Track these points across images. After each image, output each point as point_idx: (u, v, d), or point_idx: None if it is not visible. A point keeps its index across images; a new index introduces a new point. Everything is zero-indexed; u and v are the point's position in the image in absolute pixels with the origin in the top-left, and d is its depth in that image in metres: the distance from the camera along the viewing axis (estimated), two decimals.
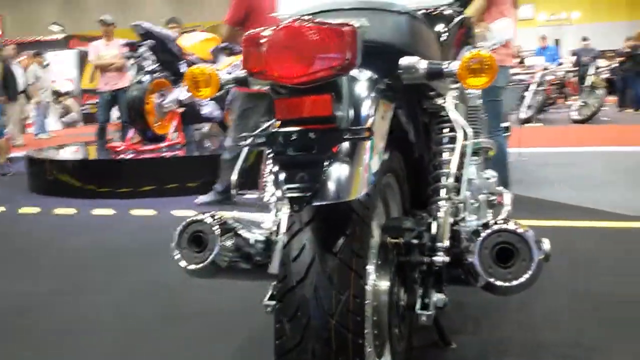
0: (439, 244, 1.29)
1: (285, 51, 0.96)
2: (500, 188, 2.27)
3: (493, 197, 2.18)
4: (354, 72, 1.11)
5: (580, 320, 2.14)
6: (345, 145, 0.99)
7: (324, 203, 0.96)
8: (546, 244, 1.12)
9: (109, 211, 4.55)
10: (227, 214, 1.34)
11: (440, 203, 1.35)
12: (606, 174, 5.35)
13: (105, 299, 2.59)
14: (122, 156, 5.66)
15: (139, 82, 5.84)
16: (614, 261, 2.81)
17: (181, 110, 6.03)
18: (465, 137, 1.36)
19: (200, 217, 1.28)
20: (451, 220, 1.36)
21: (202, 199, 4.53)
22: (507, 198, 2.24)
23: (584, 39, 14.14)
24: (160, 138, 5.97)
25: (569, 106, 11.90)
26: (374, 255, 1.19)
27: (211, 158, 4.95)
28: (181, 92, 6.02)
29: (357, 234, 1.04)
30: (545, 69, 11.27)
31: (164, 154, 5.61)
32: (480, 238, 1.10)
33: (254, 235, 1.38)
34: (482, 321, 2.12)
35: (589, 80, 11.11)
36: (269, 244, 1.40)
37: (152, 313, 2.39)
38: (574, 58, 14.35)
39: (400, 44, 1.19)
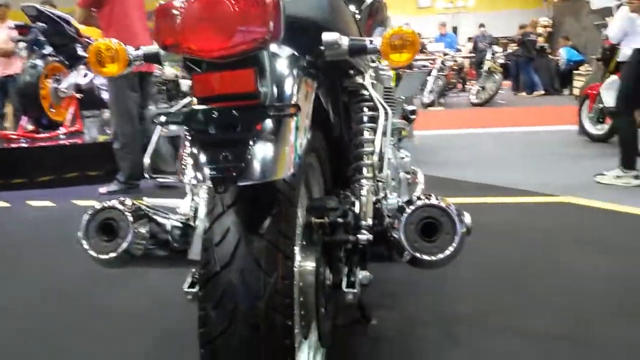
0: (362, 222, 1.28)
1: (203, 22, 0.88)
2: (414, 167, 2.32)
3: (408, 176, 2.22)
4: (275, 48, 1.06)
5: (493, 289, 2.23)
6: (270, 122, 0.94)
7: (250, 183, 0.91)
8: (467, 218, 1.13)
9: (3, 203, 4.23)
10: (139, 201, 1.26)
11: (363, 181, 1.34)
12: (505, 152, 5.63)
13: None
14: (15, 145, 5.27)
15: (33, 66, 5.45)
16: (520, 233, 2.96)
17: (79, 95, 5.70)
18: (386, 117, 1.35)
19: (109, 203, 1.18)
20: (373, 198, 1.36)
21: (106, 188, 4.33)
22: (421, 176, 2.29)
23: (481, 26, 14.80)
24: (57, 125, 5.62)
25: (468, 90, 12.44)
26: (299, 236, 1.16)
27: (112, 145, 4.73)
28: (78, 76, 5.70)
29: (284, 214, 1.00)
30: (445, 54, 11.67)
31: (61, 142, 5.29)
32: (406, 214, 1.10)
33: (170, 221, 1.31)
34: (400, 296, 2.16)
35: (486, 66, 11.64)
36: (186, 229, 1.33)
37: (55, 310, 2.24)
38: (471, 44, 14.98)
39: (320, 20, 1.15)
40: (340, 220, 1.24)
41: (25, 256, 2.98)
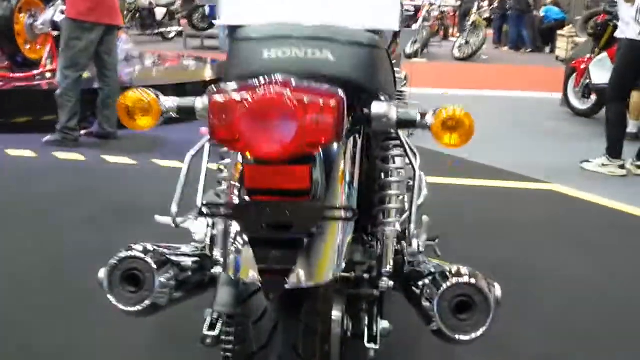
0: (384, 270, 1.27)
1: (263, 124, 0.83)
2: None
3: (409, 181, 2.19)
4: None
5: None
6: (325, 224, 0.90)
7: (300, 286, 0.88)
8: (498, 290, 1.12)
9: None
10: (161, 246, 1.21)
11: (387, 229, 1.32)
12: (489, 123, 5.63)
13: None
14: None
15: None
16: (503, 228, 3.00)
17: (56, 33, 5.42)
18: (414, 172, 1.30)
19: (132, 252, 1.14)
20: (396, 244, 1.34)
21: (48, 138, 4.27)
22: (423, 181, 2.26)
23: None
24: (32, 64, 5.37)
25: (452, 42, 12.30)
26: None
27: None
28: (55, 13, 5.41)
29: (321, 298, 0.97)
30: (431, 4, 11.44)
31: (38, 82, 5.08)
32: (440, 292, 1.08)
33: (189, 261, 1.27)
34: None
35: (471, 19, 11.48)
36: (205, 262, 1.30)
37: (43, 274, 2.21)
38: None
39: (365, 80, 1.09)
40: (365, 275, 1.22)
41: (11, 217, 2.90)
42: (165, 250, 1.22)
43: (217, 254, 1.33)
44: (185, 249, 1.33)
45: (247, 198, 0.88)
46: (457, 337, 1.07)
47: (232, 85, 0.88)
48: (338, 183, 0.95)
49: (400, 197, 1.35)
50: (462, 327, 1.07)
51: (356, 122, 1.09)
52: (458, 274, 1.10)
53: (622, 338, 2.05)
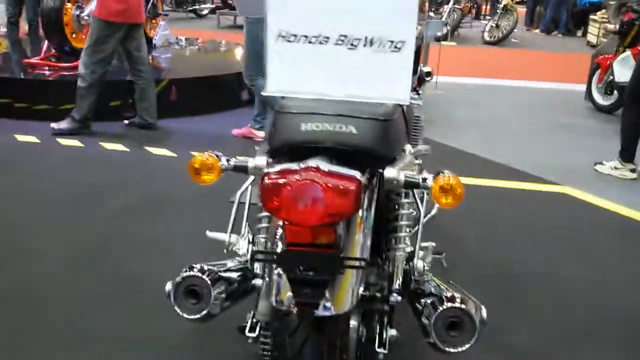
0: (394, 287, 1.56)
1: (304, 204, 1.13)
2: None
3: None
4: None
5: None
6: (344, 270, 1.20)
7: (326, 315, 1.18)
8: (484, 312, 1.40)
9: (32, 138, 4.46)
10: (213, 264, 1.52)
11: (398, 254, 1.60)
12: (511, 115, 5.82)
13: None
14: (38, 72, 5.41)
15: None
16: (510, 229, 3.24)
17: None
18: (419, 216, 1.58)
19: (192, 272, 1.45)
20: (404, 264, 1.62)
21: (58, 125, 4.60)
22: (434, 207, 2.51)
23: None
24: (78, 53, 5.70)
25: (483, 25, 12.31)
26: None
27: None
28: None
29: (341, 323, 1.27)
30: None
31: None
32: (436, 313, 1.35)
33: (235, 275, 1.58)
34: None
35: (503, 2, 11.47)
36: (246, 276, 1.60)
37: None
38: None
39: (381, 150, 1.36)
40: (378, 294, 1.51)
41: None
42: (217, 268, 1.54)
43: (257, 267, 1.64)
44: (231, 263, 1.63)
45: (284, 248, 1.18)
46: (447, 349, 1.35)
47: (277, 168, 1.18)
48: (355, 235, 1.24)
49: (409, 229, 1.63)
50: (453, 342, 1.36)
51: (372, 177, 1.37)
52: (452, 299, 1.38)
53: (624, 343, 2.30)
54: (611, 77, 5.81)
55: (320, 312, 1.17)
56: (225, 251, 1.55)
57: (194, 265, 1.49)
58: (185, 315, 1.44)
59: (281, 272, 1.19)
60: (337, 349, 1.28)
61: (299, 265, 1.18)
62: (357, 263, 1.19)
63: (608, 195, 3.82)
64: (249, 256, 1.72)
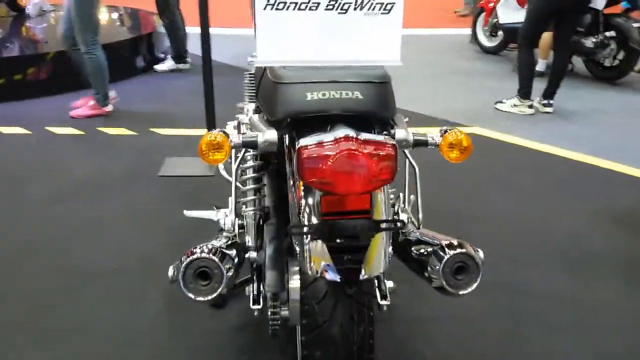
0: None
1: (348, 173, 1.14)
2: None
3: None
4: None
5: None
6: (381, 233, 1.23)
7: (366, 278, 1.22)
8: (481, 254, 1.51)
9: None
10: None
11: (402, 214, 1.64)
12: (409, 62, 6.01)
13: None
14: None
15: None
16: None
17: None
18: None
19: (199, 255, 1.42)
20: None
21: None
22: None
23: None
24: None
25: None
26: None
27: None
28: None
29: (366, 284, 1.32)
30: None
31: None
32: (444, 261, 1.43)
33: (234, 252, 1.57)
34: None
35: None
36: (240, 252, 1.59)
37: None
38: None
39: (385, 112, 1.39)
40: None
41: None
42: (217, 246, 1.51)
43: (248, 240, 1.63)
44: (222, 240, 1.61)
45: (319, 219, 1.20)
46: (459, 292, 1.44)
47: (312, 141, 1.18)
48: (383, 198, 1.28)
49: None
50: (461, 284, 1.45)
51: None
52: (453, 246, 1.46)
53: (543, 257, 2.56)
54: (495, 20, 6.17)
55: (363, 276, 1.21)
56: (233, 233, 1.53)
57: (196, 247, 1.47)
58: (199, 299, 1.42)
59: (319, 242, 1.20)
60: (365, 308, 1.33)
61: (338, 234, 1.20)
62: (394, 225, 1.24)
63: (513, 131, 4.12)
64: (237, 230, 1.71)
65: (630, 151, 3.75)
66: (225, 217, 1.82)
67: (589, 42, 5.07)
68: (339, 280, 1.21)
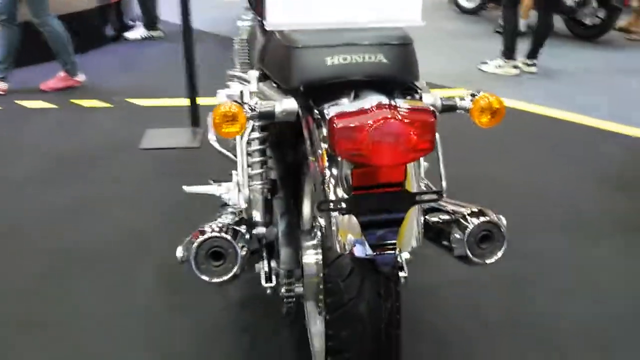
0: None
1: (386, 144, 1.04)
2: None
3: None
4: None
5: None
6: (415, 206, 1.15)
7: (400, 253, 1.14)
8: (504, 220, 1.45)
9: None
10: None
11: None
12: None
13: None
14: None
15: None
16: None
17: None
18: None
19: (211, 234, 1.33)
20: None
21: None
22: None
23: None
24: None
25: None
26: None
27: None
28: None
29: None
30: None
31: None
32: (468, 230, 1.36)
33: (243, 228, 1.48)
34: None
35: None
36: (251, 230, 1.51)
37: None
38: None
39: (410, 76, 1.29)
40: None
41: None
42: (229, 224, 1.43)
43: (256, 215, 1.55)
44: (229, 216, 1.52)
45: (350, 193, 1.11)
46: (485, 261, 1.37)
47: (343, 110, 1.08)
48: (414, 168, 1.20)
49: None
50: (485, 254, 1.39)
51: None
52: (477, 214, 1.39)
53: (539, 220, 2.53)
54: None
55: (398, 251, 1.14)
56: (242, 206, 1.44)
57: (204, 225, 1.38)
58: (214, 280, 1.33)
59: (350, 218, 1.12)
60: (392, 283, 1.26)
61: (373, 208, 1.12)
62: (433, 196, 1.16)
63: (498, 92, 4.03)
64: (243, 205, 1.63)
65: (616, 109, 3.74)
66: (228, 191, 1.73)
67: (570, 0, 5.03)
68: (372, 256, 1.13)
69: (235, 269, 1.34)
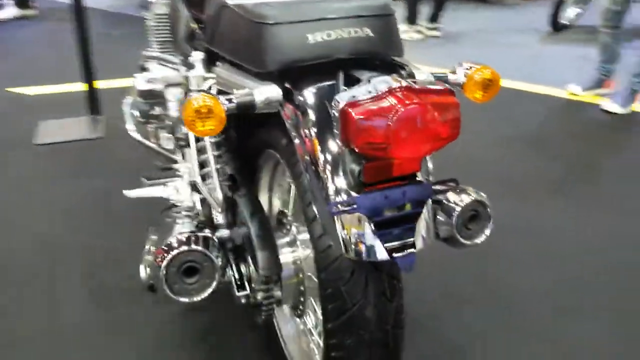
0: None
1: (414, 133, 0.89)
2: None
3: None
4: None
5: None
6: (432, 198, 1.01)
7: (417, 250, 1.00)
8: (484, 195, 1.36)
9: None
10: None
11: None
12: None
13: None
14: None
15: None
16: None
17: None
18: None
19: (180, 248, 1.13)
20: None
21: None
22: None
23: None
24: None
25: None
26: None
27: None
28: None
29: None
30: None
31: None
32: (456, 212, 1.26)
33: (213, 235, 1.30)
34: None
35: None
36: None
37: None
38: None
39: (397, 51, 1.14)
40: None
41: None
42: (192, 232, 1.23)
43: (217, 217, 1.36)
44: (185, 224, 1.32)
45: (361, 190, 0.95)
46: (473, 242, 1.28)
47: (357, 95, 0.91)
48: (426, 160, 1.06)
49: None
50: (473, 234, 1.29)
51: None
52: (460, 193, 1.28)
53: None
54: None
55: (417, 249, 1.00)
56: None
57: (169, 239, 1.18)
58: (191, 299, 1.14)
59: (361, 218, 0.96)
60: (396, 281, 1.13)
61: (390, 205, 0.96)
62: (451, 184, 1.03)
63: (407, 57, 4.03)
64: (199, 206, 1.43)
65: (523, 68, 3.84)
66: (177, 192, 1.51)
67: None
68: (390, 259, 0.99)
69: (214, 284, 1.16)
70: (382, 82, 0.94)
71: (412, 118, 0.88)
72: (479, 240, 1.29)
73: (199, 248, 1.15)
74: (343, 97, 0.92)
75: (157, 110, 2.08)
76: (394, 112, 0.88)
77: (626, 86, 3.24)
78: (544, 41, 4.69)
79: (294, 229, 1.34)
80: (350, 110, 0.89)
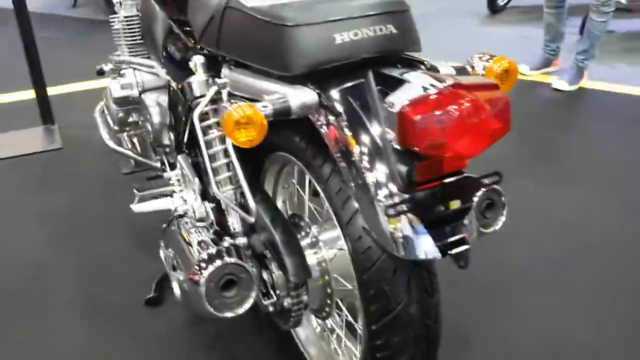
0: None
1: (472, 129, 0.90)
2: None
3: None
4: None
5: None
6: (480, 191, 1.03)
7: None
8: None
9: None
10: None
11: None
12: None
13: None
14: None
15: None
16: None
17: None
18: None
19: (218, 262, 1.11)
20: None
21: None
22: None
23: None
24: None
25: None
26: None
27: None
28: None
29: None
30: None
31: None
32: (474, 202, 1.29)
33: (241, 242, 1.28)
34: None
35: None
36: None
37: None
38: None
39: (417, 46, 1.14)
40: None
41: None
42: (221, 240, 1.21)
43: (234, 224, 1.33)
44: (203, 234, 1.29)
45: (414, 190, 0.95)
46: (489, 231, 1.31)
47: (411, 96, 0.91)
48: None
49: None
50: (491, 223, 1.33)
51: None
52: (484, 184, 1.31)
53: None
54: None
55: (469, 244, 1.01)
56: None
57: (201, 254, 1.15)
58: (234, 313, 1.12)
59: (412, 217, 0.96)
60: (433, 275, 1.14)
61: (442, 202, 0.98)
62: (495, 178, 1.05)
63: None
64: (212, 217, 1.40)
65: (466, 51, 3.90)
66: (185, 203, 1.47)
67: None
68: (444, 257, 1.00)
69: (253, 294, 1.14)
70: (429, 80, 0.95)
71: (469, 115, 0.90)
72: (497, 227, 1.33)
73: (235, 260, 1.12)
74: (396, 99, 0.92)
75: (134, 117, 2.01)
76: (451, 110, 0.89)
77: (572, 64, 3.39)
78: (484, 23, 4.82)
79: (313, 230, 1.33)
80: (409, 111, 0.89)
